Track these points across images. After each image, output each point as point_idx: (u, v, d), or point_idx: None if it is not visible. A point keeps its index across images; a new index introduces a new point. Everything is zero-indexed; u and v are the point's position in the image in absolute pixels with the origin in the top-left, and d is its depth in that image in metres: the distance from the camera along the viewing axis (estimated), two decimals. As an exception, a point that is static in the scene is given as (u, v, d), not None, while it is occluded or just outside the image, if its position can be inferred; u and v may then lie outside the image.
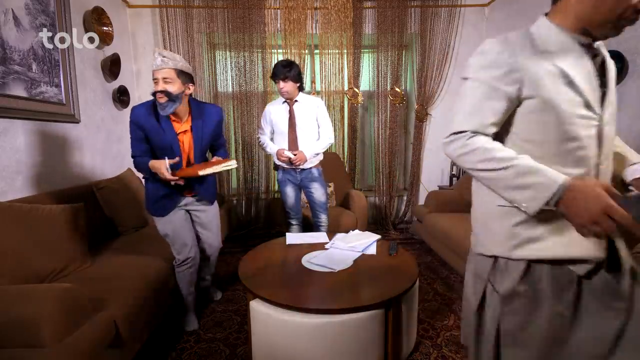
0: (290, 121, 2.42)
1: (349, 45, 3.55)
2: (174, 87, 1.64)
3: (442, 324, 2.01)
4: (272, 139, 2.54)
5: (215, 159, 1.85)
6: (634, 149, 0.99)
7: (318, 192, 2.54)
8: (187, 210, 1.95)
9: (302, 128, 2.43)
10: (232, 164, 1.73)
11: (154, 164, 1.66)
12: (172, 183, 1.68)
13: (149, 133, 1.70)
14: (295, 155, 2.35)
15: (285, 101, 2.42)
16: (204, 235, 2.04)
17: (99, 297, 1.46)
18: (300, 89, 2.43)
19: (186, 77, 1.71)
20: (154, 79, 1.64)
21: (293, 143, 2.43)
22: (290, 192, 2.55)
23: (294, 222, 2.64)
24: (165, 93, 1.63)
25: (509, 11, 3.30)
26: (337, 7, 3.46)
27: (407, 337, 1.65)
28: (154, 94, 1.64)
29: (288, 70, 2.31)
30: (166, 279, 1.92)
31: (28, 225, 1.62)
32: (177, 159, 1.69)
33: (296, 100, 2.43)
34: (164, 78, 1.63)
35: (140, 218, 2.52)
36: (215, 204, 2.07)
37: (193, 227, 1.98)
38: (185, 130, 1.80)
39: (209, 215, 2.02)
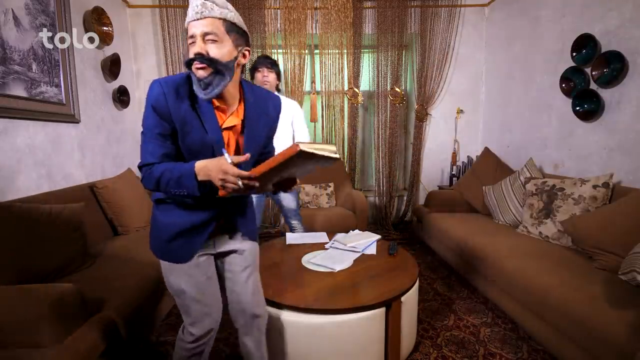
0: None
1: (349, 45, 3.54)
2: (223, 51, 1.00)
3: (442, 324, 2.01)
4: None
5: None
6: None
7: (287, 199, 2.39)
8: (214, 255, 1.23)
9: (278, 129, 2.35)
10: (333, 152, 0.93)
11: (208, 164, 0.96)
12: (239, 184, 0.93)
13: (180, 126, 1.03)
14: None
15: None
16: (238, 296, 1.26)
17: (99, 297, 1.46)
18: (278, 89, 2.32)
19: (241, 36, 1.07)
20: (189, 37, 1.00)
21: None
22: (253, 199, 2.40)
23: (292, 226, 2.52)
24: (209, 60, 0.98)
25: (509, 11, 3.30)
26: (337, 7, 3.46)
27: (407, 337, 1.65)
28: (189, 62, 1.00)
29: (274, 63, 2.24)
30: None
31: (28, 225, 1.61)
32: (248, 155, 0.99)
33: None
34: (206, 34, 0.98)
35: (140, 218, 2.52)
36: (256, 244, 1.31)
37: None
38: (234, 126, 1.12)
39: (248, 259, 1.25)
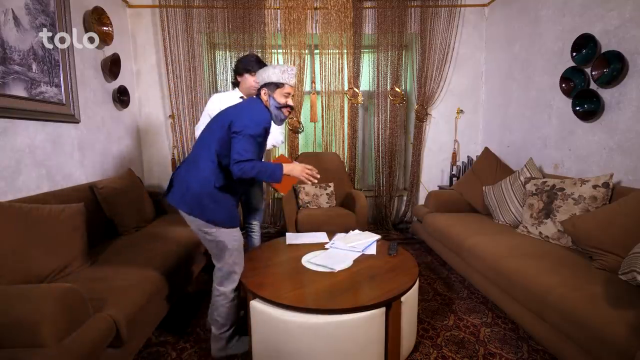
0: None
1: (349, 45, 3.55)
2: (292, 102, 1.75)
3: (442, 324, 2.01)
4: None
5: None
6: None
7: (255, 196, 2.37)
8: None
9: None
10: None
11: (288, 166, 1.61)
12: (308, 181, 1.64)
13: (265, 138, 1.67)
14: None
15: (241, 97, 2.23)
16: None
17: (99, 297, 1.46)
18: None
19: None
20: (286, 93, 1.68)
21: None
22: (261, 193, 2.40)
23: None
24: (292, 108, 1.74)
25: (509, 11, 3.31)
26: (337, 7, 3.46)
27: (407, 337, 1.65)
28: (282, 107, 1.68)
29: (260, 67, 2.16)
30: (166, 278, 1.92)
31: (28, 225, 1.62)
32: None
33: None
34: (292, 94, 1.72)
35: (140, 218, 2.52)
36: None
37: None
38: None
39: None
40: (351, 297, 1.49)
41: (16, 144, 1.96)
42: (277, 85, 1.66)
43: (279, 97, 1.67)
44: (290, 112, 1.74)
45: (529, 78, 3.01)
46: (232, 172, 1.49)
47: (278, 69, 1.66)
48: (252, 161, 1.50)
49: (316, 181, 1.64)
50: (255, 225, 2.40)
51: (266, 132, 1.63)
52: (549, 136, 2.78)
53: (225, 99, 2.24)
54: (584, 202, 2.07)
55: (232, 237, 1.65)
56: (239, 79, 2.23)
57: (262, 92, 1.69)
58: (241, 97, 2.24)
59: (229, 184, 1.61)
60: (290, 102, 1.70)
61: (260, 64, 2.20)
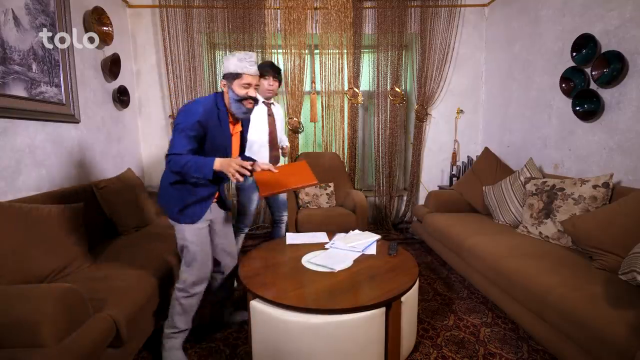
0: (270, 122, 2.41)
1: (349, 45, 3.55)
2: (255, 93, 1.63)
3: (442, 324, 2.01)
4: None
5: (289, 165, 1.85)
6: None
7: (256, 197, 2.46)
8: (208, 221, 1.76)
9: (278, 129, 2.49)
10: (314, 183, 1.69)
11: (223, 161, 1.47)
12: (235, 179, 1.44)
13: (210, 133, 1.57)
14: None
15: (263, 101, 2.39)
16: (224, 246, 1.87)
17: (99, 297, 1.46)
18: (275, 93, 2.49)
19: None
20: (245, 84, 1.55)
21: (273, 143, 2.43)
22: (256, 197, 2.44)
23: (245, 229, 2.52)
24: (254, 100, 1.61)
25: (509, 11, 3.31)
26: (337, 7, 3.46)
27: (407, 337, 1.65)
28: (241, 99, 1.57)
29: (279, 72, 2.37)
30: (166, 278, 1.92)
31: (28, 225, 1.62)
32: (254, 162, 1.68)
33: (272, 103, 2.46)
34: (255, 85, 1.59)
35: (140, 218, 2.52)
36: (229, 213, 1.94)
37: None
38: (236, 133, 1.75)
39: (228, 221, 1.88)
40: (351, 297, 1.49)
41: (16, 144, 1.96)
42: (235, 76, 1.55)
43: (238, 88, 1.55)
44: (253, 105, 1.61)
45: (529, 78, 3.01)
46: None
47: (235, 56, 1.55)
48: (181, 155, 1.47)
49: (242, 179, 1.45)
50: (284, 217, 2.67)
51: (203, 127, 1.53)
52: (549, 136, 2.78)
53: None
54: (584, 202, 2.07)
55: (181, 234, 1.65)
56: None
57: (222, 84, 1.61)
58: (263, 102, 2.39)
59: (182, 181, 1.61)
60: (251, 93, 1.57)
61: (275, 68, 2.34)
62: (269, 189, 1.62)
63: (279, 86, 2.44)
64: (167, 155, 1.50)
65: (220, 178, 1.55)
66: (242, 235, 2.53)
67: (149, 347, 1.80)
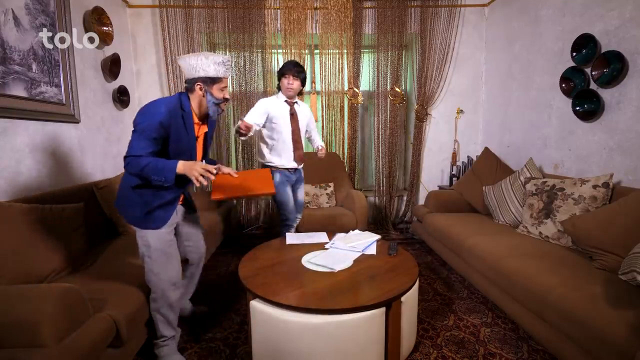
0: (293, 121, 2.42)
1: (349, 45, 3.54)
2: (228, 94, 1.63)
3: (442, 324, 2.01)
4: (262, 137, 2.45)
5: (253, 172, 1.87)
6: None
7: (302, 191, 2.60)
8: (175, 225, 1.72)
9: (302, 128, 2.48)
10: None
11: (186, 164, 1.44)
12: (198, 183, 1.42)
13: (173, 135, 1.50)
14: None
15: (285, 100, 2.42)
16: (189, 248, 1.86)
17: (99, 297, 1.46)
18: (300, 93, 2.48)
19: None
20: (224, 87, 1.58)
21: (297, 142, 2.43)
22: (290, 192, 2.51)
23: (294, 223, 2.58)
24: (227, 100, 1.61)
25: (509, 11, 3.31)
26: (337, 7, 3.46)
27: (407, 337, 1.65)
28: (219, 102, 1.58)
29: (300, 71, 2.36)
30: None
31: (28, 225, 1.62)
32: (218, 165, 1.60)
33: (296, 102, 2.46)
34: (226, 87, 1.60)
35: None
36: (198, 214, 1.93)
37: None
38: (201, 135, 1.69)
39: (195, 222, 1.87)
40: (351, 297, 1.49)
41: (16, 144, 1.96)
42: (215, 80, 1.54)
43: (217, 92, 1.55)
44: (226, 104, 1.66)
45: (529, 78, 3.01)
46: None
47: (211, 59, 1.51)
48: (140, 157, 1.41)
49: (205, 183, 1.44)
50: (299, 218, 2.65)
51: (165, 129, 1.46)
52: (549, 136, 2.78)
53: (271, 102, 2.40)
54: (584, 202, 2.07)
55: (144, 239, 1.56)
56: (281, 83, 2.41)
57: (198, 87, 1.54)
58: (285, 101, 2.41)
59: (145, 184, 1.52)
60: (227, 95, 1.59)
61: (296, 67, 2.34)
62: (221, 193, 1.60)
63: (302, 85, 2.42)
64: (125, 157, 1.44)
65: (185, 180, 1.51)
66: (293, 229, 2.58)
67: (148, 347, 1.80)
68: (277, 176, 2.42)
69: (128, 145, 1.45)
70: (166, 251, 1.59)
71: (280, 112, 2.38)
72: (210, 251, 2.72)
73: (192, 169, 1.42)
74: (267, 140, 2.42)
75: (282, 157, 2.41)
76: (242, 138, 2.15)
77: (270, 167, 2.41)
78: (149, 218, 1.55)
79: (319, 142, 2.60)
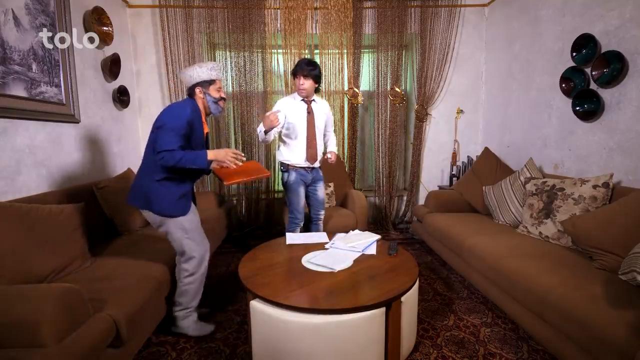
0: (309, 119, 2.41)
1: (349, 45, 3.55)
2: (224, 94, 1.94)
3: (442, 324, 2.01)
4: (280, 136, 2.48)
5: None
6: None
7: (321, 190, 2.58)
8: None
9: (318, 127, 2.46)
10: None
11: (216, 151, 1.74)
12: (234, 165, 1.75)
13: (195, 131, 1.78)
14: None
15: (302, 99, 2.41)
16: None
17: (99, 297, 1.46)
18: (317, 90, 2.45)
19: None
20: (219, 87, 1.88)
21: (312, 141, 2.43)
22: (302, 192, 2.50)
23: (300, 222, 2.57)
24: (225, 99, 1.92)
25: (509, 11, 3.30)
26: (337, 7, 3.46)
27: (407, 337, 1.65)
28: (218, 100, 1.87)
29: (312, 69, 2.33)
30: (166, 278, 1.92)
31: (28, 225, 1.61)
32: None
33: (313, 100, 2.45)
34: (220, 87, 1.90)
35: (140, 218, 2.52)
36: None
37: None
38: (207, 130, 1.97)
39: (196, 214, 2.00)
40: (351, 297, 1.49)
41: (16, 144, 1.96)
42: (210, 82, 1.84)
43: (214, 92, 1.86)
44: (224, 103, 1.92)
45: (529, 78, 3.01)
46: (157, 162, 1.67)
47: (204, 67, 1.82)
48: (174, 151, 1.64)
49: (240, 164, 1.77)
50: (322, 214, 2.63)
51: (190, 126, 1.74)
52: (549, 136, 2.78)
53: (287, 102, 2.44)
54: (584, 202, 2.07)
55: (179, 225, 1.79)
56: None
57: (197, 90, 1.83)
58: (302, 100, 2.42)
59: (170, 177, 1.75)
60: (223, 94, 1.89)
61: (308, 66, 2.33)
62: (232, 179, 1.85)
63: (317, 83, 2.40)
64: (158, 152, 1.65)
65: (199, 173, 1.84)
66: (320, 226, 2.62)
67: (149, 347, 1.80)
68: (293, 175, 2.45)
69: (157, 143, 1.66)
70: (200, 227, 1.89)
71: (296, 111, 2.39)
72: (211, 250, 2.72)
73: (225, 154, 1.73)
74: (284, 138, 2.47)
75: (296, 155, 2.42)
76: (268, 139, 2.27)
77: (287, 165, 2.45)
78: (178, 206, 1.79)
79: (331, 147, 2.59)
